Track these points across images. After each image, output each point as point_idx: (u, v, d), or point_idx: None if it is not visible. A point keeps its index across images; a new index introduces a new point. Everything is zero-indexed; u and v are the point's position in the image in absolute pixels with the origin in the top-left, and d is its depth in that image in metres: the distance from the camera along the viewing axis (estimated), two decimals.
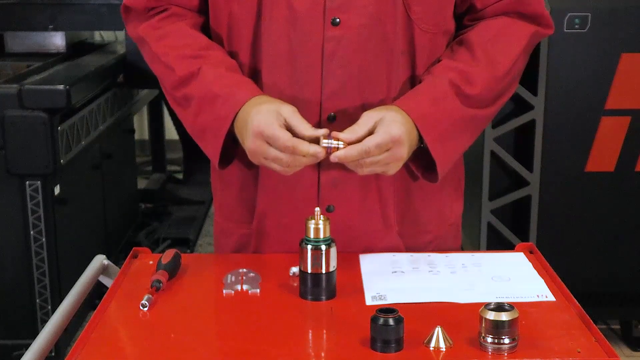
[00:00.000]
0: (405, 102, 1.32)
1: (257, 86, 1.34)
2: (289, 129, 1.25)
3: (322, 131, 1.25)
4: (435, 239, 1.46)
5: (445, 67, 1.35)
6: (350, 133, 1.25)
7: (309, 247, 1.21)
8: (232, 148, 1.35)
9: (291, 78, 1.33)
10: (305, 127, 1.25)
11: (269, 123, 1.24)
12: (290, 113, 1.25)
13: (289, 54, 1.32)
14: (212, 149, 1.34)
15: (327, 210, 1.38)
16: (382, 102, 1.35)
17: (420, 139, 1.31)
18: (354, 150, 1.24)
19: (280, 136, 1.23)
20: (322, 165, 1.35)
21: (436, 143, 1.31)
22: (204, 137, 1.35)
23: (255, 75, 1.37)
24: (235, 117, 1.29)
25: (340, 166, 1.36)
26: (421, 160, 1.35)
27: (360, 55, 1.32)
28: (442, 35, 1.38)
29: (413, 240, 1.43)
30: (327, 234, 1.21)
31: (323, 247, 1.21)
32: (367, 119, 1.26)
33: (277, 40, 1.33)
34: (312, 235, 1.21)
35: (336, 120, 1.34)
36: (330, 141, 1.24)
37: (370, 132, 1.25)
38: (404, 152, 1.27)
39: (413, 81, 1.38)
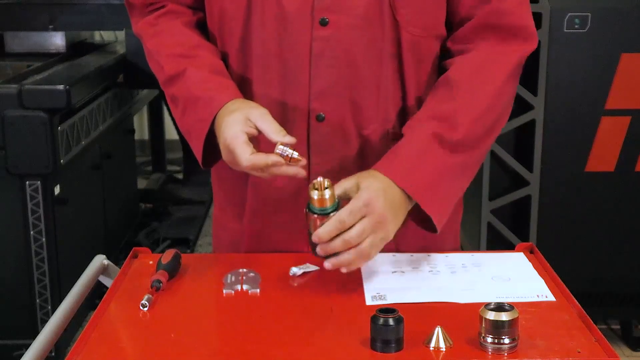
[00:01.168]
0: (385, 165, 1.28)
1: (237, 90, 1.33)
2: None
3: (288, 139, 1.22)
4: (432, 245, 1.41)
5: (426, 116, 1.31)
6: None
7: (315, 215, 1.19)
8: (217, 147, 1.34)
9: (280, 77, 1.33)
10: (273, 131, 1.22)
11: (234, 137, 1.22)
12: (258, 117, 1.24)
13: (278, 52, 1.33)
14: (195, 150, 1.35)
15: None
16: (371, 104, 1.34)
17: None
18: (328, 225, 1.19)
19: (240, 155, 1.21)
20: (312, 164, 1.35)
21: (428, 200, 1.27)
22: (189, 138, 1.36)
23: (245, 74, 1.37)
24: (214, 120, 1.29)
25: (330, 167, 1.35)
26: (418, 213, 1.30)
27: (349, 56, 1.32)
28: (434, 40, 1.36)
29: (406, 245, 1.40)
30: (334, 200, 1.19)
31: (332, 214, 1.19)
32: (340, 186, 1.23)
33: (267, 38, 1.33)
34: (317, 205, 1.19)
35: (325, 120, 1.34)
36: (285, 148, 1.21)
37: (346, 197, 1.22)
38: (381, 210, 1.20)
39: (403, 84, 1.36)
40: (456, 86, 1.31)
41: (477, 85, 1.32)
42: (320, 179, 1.19)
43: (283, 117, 1.30)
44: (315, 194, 1.18)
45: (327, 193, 1.18)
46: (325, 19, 1.30)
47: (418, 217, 1.30)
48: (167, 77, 1.37)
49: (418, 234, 1.36)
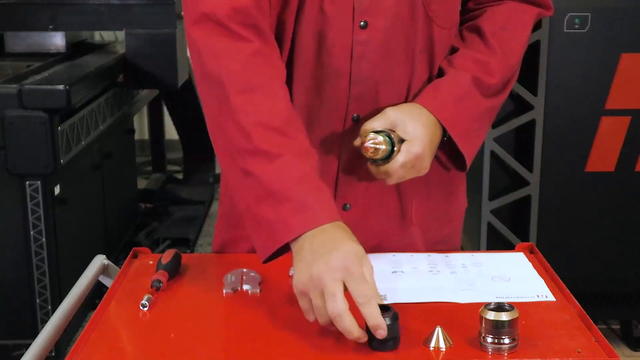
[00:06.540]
0: (429, 101, 1.33)
1: (332, 199, 1.21)
2: None
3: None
4: (456, 230, 1.50)
5: (465, 58, 1.38)
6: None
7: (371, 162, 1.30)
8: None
9: (318, 80, 1.33)
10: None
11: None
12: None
13: (318, 56, 1.32)
14: (261, 247, 1.18)
15: (343, 209, 1.38)
16: (401, 102, 1.36)
17: (444, 132, 1.34)
18: (379, 172, 1.29)
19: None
20: (342, 162, 1.36)
21: (463, 140, 1.35)
22: (257, 227, 1.19)
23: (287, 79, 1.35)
24: (304, 233, 1.13)
25: (360, 164, 1.35)
26: (446, 150, 1.38)
27: (386, 57, 1.33)
28: (454, 30, 1.41)
29: (436, 233, 1.46)
30: (387, 150, 1.27)
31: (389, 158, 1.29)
32: (388, 118, 1.29)
33: (308, 43, 1.32)
34: (372, 157, 1.28)
35: (360, 120, 1.34)
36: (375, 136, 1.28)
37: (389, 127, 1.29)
38: (426, 164, 1.31)
39: (431, 79, 1.39)
40: (489, 37, 1.38)
41: (508, 37, 1.39)
42: (372, 135, 1.27)
43: (319, 119, 1.31)
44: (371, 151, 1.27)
45: (381, 149, 1.27)
46: (365, 21, 1.31)
47: (445, 153, 1.40)
48: (254, 149, 1.18)
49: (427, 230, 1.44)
